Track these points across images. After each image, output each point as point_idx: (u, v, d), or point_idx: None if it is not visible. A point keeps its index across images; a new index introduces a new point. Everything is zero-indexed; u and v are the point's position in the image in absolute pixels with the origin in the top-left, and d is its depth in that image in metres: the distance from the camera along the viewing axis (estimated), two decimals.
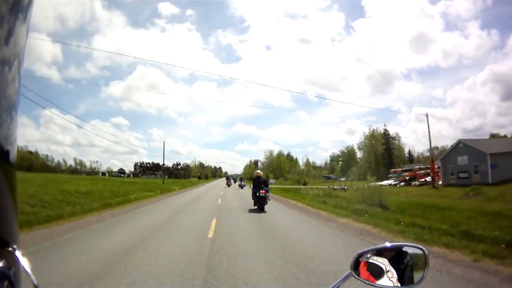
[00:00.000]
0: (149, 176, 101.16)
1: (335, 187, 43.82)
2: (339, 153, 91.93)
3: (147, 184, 47.22)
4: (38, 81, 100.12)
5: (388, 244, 1.44)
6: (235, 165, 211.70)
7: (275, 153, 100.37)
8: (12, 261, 0.70)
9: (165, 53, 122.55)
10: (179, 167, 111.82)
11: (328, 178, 74.74)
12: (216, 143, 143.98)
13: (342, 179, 66.54)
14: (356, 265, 1.42)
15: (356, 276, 1.39)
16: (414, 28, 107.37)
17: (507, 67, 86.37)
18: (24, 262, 0.73)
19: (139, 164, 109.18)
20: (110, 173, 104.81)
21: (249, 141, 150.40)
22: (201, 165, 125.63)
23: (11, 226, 0.71)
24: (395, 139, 78.68)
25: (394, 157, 75.47)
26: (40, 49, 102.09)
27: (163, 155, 63.63)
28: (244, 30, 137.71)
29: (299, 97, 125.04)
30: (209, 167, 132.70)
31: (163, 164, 68.07)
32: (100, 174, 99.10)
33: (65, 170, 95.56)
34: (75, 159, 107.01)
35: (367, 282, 1.38)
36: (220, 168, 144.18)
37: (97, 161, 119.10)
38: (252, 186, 18.98)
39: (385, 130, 77.57)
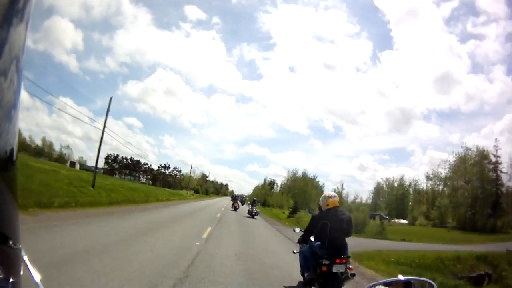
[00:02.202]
0: (123, 176, 76.60)
1: None
2: (384, 186, 72.69)
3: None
4: (56, 66, 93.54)
5: (401, 277, 1.53)
6: (242, 185, 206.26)
7: (299, 173, 79.93)
8: (15, 259, 0.73)
9: (186, 59, 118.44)
10: (167, 172, 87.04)
11: (373, 216, 51.59)
12: (226, 160, 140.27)
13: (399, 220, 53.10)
14: None
15: None
16: (440, 66, 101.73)
17: None
18: (26, 259, 0.77)
19: (112, 158, 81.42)
20: (82, 165, 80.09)
21: (259, 163, 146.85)
22: (204, 177, 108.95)
23: (13, 223, 0.73)
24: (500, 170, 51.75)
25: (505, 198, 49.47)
26: (60, 34, 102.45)
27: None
28: (269, 47, 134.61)
29: (315, 125, 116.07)
30: (212, 182, 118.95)
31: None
32: (69, 164, 77.04)
33: (28, 150, 72.96)
34: (43, 139, 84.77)
35: None
36: (226, 185, 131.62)
37: (68, 146, 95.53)
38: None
39: (496, 151, 51.33)
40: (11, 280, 0.68)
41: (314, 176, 79.17)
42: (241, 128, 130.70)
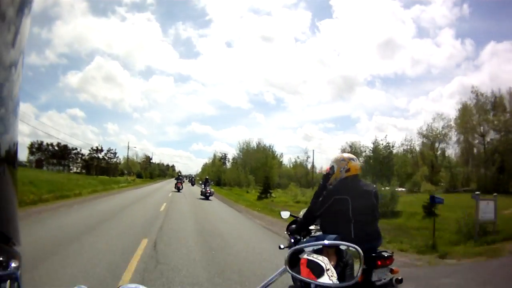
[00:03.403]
0: (51, 167, 61.87)
1: None
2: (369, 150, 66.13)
3: None
4: None
5: (326, 241, 1.55)
6: (188, 165, 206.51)
7: (253, 144, 71.56)
8: (15, 259, 0.73)
9: (123, 44, 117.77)
10: (100, 157, 72.18)
11: None
12: (170, 141, 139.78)
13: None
14: (293, 262, 1.40)
15: (292, 273, 1.34)
16: (383, 32, 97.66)
17: (477, 79, 79.54)
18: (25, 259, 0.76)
19: (36, 146, 65.74)
20: None
21: (203, 141, 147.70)
22: (147, 159, 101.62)
23: (13, 223, 0.74)
24: None
25: None
26: None
27: None
28: (205, 24, 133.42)
29: (256, 99, 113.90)
30: (158, 164, 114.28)
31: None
32: None
33: None
34: None
35: (307, 279, 1.40)
36: (173, 166, 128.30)
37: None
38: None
39: None
40: (11, 280, 0.69)
41: (270, 146, 71.28)
42: (182, 108, 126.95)
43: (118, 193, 31.38)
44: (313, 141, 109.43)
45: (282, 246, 4.75)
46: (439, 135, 52.61)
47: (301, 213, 4.83)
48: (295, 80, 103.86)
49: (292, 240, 4.43)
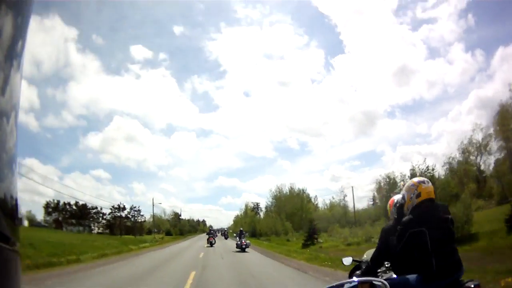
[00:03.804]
0: (71, 228, 58.02)
1: None
2: (383, 183, 61.25)
3: None
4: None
5: (356, 279, 1.72)
6: (219, 219, 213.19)
7: (286, 189, 68.02)
8: (14, 259, 0.75)
9: (140, 101, 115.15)
10: (123, 215, 67.10)
11: None
12: (199, 197, 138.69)
13: None
14: None
15: None
16: (396, 59, 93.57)
17: (492, 89, 68.49)
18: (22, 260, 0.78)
19: (52, 206, 59.56)
20: (32, 221, 60.39)
21: (232, 194, 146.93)
22: (176, 215, 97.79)
23: (13, 225, 0.75)
24: None
25: None
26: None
27: None
28: (220, 75, 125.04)
29: (280, 146, 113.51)
30: (188, 221, 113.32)
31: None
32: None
33: None
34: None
35: None
36: (203, 221, 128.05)
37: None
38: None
39: None
40: (10, 280, 0.71)
41: (303, 189, 67.94)
42: (207, 162, 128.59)
43: (136, 255, 25.61)
44: (341, 181, 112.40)
45: None
46: (481, 147, 48.84)
47: (365, 256, 4.69)
48: (317, 122, 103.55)
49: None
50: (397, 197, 4.27)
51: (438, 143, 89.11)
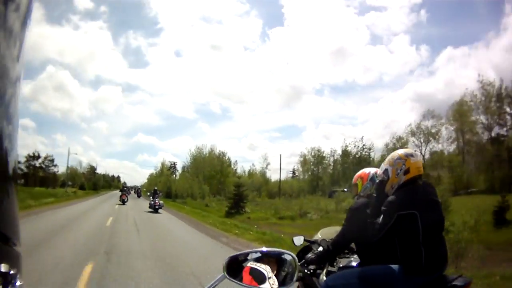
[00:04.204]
0: None
1: None
2: (310, 156, 62.52)
3: None
4: None
5: (264, 249, 1.61)
6: (133, 176, 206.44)
7: (206, 150, 66.39)
8: (15, 259, 0.74)
9: (75, 52, 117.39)
10: (37, 164, 63.93)
11: (333, 194, 42.52)
12: (116, 153, 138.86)
13: None
14: (233, 270, 1.49)
15: (232, 279, 1.46)
16: (335, 40, 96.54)
17: (431, 85, 76.95)
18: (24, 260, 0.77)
19: None
20: None
21: (149, 152, 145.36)
22: (92, 169, 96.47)
23: (13, 224, 0.74)
24: None
25: None
26: None
27: None
28: (156, 33, 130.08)
29: (202, 108, 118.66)
30: (103, 175, 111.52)
31: None
32: None
33: None
34: None
35: (249, 286, 1.45)
36: (118, 177, 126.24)
37: None
38: None
39: None
40: (11, 280, 0.70)
41: (224, 153, 66.53)
42: (128, 118, 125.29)
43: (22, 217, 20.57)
44: (258, 150, 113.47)
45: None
46: (430, 134, 49.84)
47: (319, 236, 3.86)
48: (243, 90, 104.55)
49: (308, 272, 3.59)
50: (370, 170, 3.67)
51: (363, 127, 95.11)
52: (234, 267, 1.48)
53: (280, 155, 65.72)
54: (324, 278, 3.41)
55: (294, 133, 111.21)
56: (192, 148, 74.32)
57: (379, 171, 3.33)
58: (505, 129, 42.71)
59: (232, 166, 67.04)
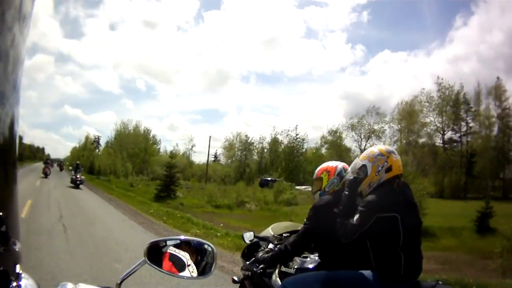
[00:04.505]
0: None
1: None
2: (236, 141, 62.47)
3: None
4: None
5: (182, 237, 1.63)
6: (57, 148, 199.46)
7: (131, 126, 62.04)
8: (15, 259, 0.75)
9: None
10: None
11: (266, 183, 40.31)
12: (43, 124, 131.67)
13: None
14: (153, 254, 1.50)
15: (152, 265, 1.46)
16: (270, 29, 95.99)
17: (361, 84, 79.38)
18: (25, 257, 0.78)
19: None
20: None
21: (73, 125, 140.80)
22: (19, 139, 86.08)
23: (14, 223, 0.75)
24: None
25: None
26: None
27: None
28: (95, 3, 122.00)
29: (128, 85, 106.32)
30: (28, 145, 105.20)
31: None
32: None
33: None
34: None
35: (168, 272, 1.49)
36: (43, 149, 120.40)
37: None
38: None
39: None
40: (11, 280, 0.71)
41: (148, 130, 62.76)
42: (57, 89, 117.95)
43: None
44: (178, 132, 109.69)
45: (236, 279, 3.75)
46: (372, 131, 49.25)
47: (270, 232, 3.66)
48: (170, 69, 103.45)
49: (258, 271, 3.20)
50: (337, 165, 3.29)
51: (286, 118, 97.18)
52: (155, 253, 1.49)
53: (210, 136, 62.38)
54: (278, 280, 3.19)
55: (215, 117, 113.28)
56: (118, 123, 67.17)
57: (352, 166, 3.03)
58: (458, 134, 42.84)
59: (156, 145, 64.44)
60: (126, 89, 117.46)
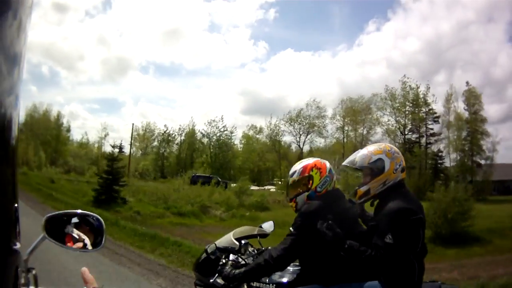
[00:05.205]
0: None
1: None
2: (146, 130, 58.77)
3: None
4: None
5: (79, 211, 1.58)
6: None
7: (42, 110, 54.14)
8: (15, 259, 0.75)
9: None
10: None
11: (196, 180, 33.51)
12: None
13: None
14: (52, 229, 1.46)
15: (52, 240, 1.42)
16: (172, 20, 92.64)
17: (259, 82, 78.71)
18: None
19: None
20: None
21: None
22: None
23: (14, 223, 0.75)
24: None
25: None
26: None
27: None
28: None
29: (33, 70, 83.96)
30: None
31: None
32: None
33: None
34: None
35: (67, 247, 1.48)
36: None
37: None
38: None
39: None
40: (11, 279, 0.71)
41: (60, 115, 55.93)
42: None
43: None
44: (77, 121, 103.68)
45: None
46: (312, 125, 48.05)
47: (232, 241, 3.10)
48: (74, 56, 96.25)
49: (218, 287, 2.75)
50: (325, 161, 2.89)
51: (182, 111, 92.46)
52: (54, 227, 1.47)
53: (133, 124, 55.98)
54: None
55: (113, 107, 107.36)
56: (30, 105, 55.63)
57: (361, 158, 2.65)
58: (415, 135, 42.66)
59: (68, 132, 57.16)
60: (31, 74, 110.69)
